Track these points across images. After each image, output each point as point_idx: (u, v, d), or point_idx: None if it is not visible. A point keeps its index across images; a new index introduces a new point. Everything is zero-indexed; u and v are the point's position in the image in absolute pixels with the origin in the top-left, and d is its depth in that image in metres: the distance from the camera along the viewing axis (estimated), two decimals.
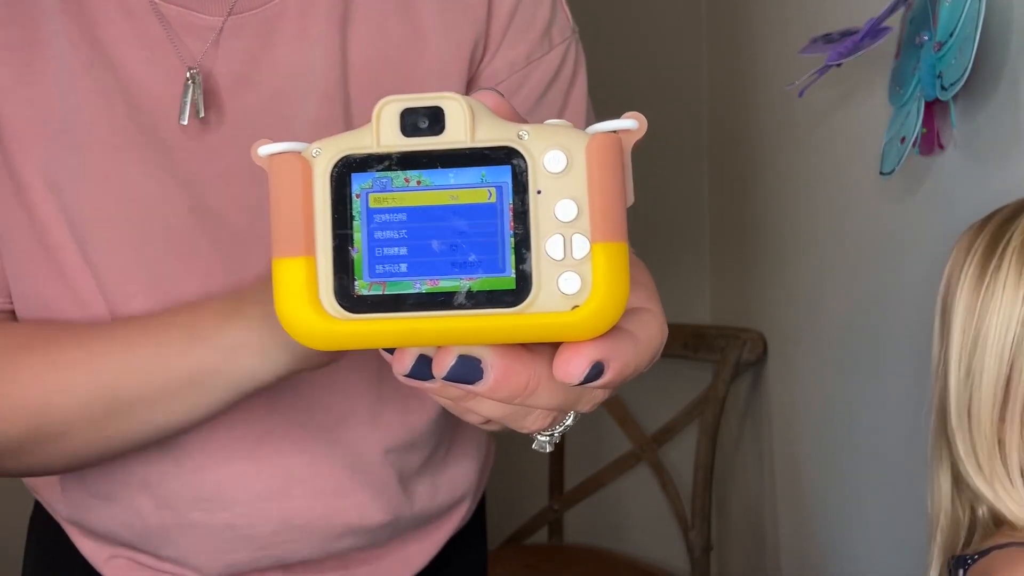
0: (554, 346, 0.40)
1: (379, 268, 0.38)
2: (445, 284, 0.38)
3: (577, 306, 0.38)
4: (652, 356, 0.43)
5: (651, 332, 0.43)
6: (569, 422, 0.50)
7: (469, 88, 0.71)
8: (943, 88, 0.86)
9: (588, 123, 0.75)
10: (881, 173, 1.01)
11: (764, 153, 1.65)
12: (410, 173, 0.38)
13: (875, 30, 1.01)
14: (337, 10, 0.67)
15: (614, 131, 0.39)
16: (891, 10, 1.00)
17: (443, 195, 0.38)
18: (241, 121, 0.67)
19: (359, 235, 0.38)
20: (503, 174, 0.38)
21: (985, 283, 0.74)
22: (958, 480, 0.77)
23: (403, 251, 0.38)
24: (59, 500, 0.77)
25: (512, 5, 0.70)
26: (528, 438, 0.52)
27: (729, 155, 1.89)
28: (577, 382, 0.39)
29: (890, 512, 1.20)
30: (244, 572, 0.75)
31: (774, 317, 1.66)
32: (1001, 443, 0.73)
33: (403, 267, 0.38)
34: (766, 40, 1.61)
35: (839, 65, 1.06)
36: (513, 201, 0.38)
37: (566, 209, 0.38)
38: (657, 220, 1.99)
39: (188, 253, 0.67)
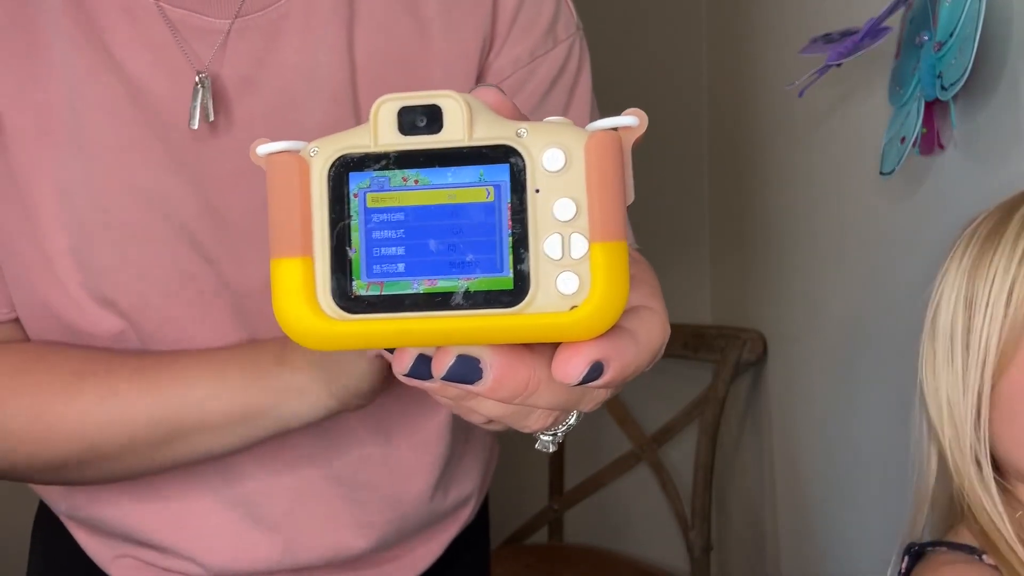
0: (555, 345, 0.40)
1: (377, 268, 0.38)
2: (443, 284, 0.38)
3: (576, 306, 0.37)
4: (654, 355, 0.43)
5: (653, 331, 0.43)
6: (572, 422, 0.50)
7: (477, 84, 0.71)
8: (943, 88, 0.86)
9: (593, 119, 0.75)
10: (881, 173, 1.01)
11: (764, 153, 1.65)
12: (408, 172, 0.38)
13: (875, 30, 1.01)
14: (342, 10, 0.67)
15: (614, 128, 0.39)
16: (891, 10, 1.00)
17: (441, 194, 0.38)
18: (249, 124, 0.67)
19: (357, 235, 0.38)
20: (501, 173, 0.37)
21: (980, 269, 0.74)
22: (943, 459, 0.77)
23: (401, 251, 0.38)
24: (62, 499, 0.77)
25: (517, 2, 0.70)
26: (530, 438, 0.51)
27: (729, 155, 1.89)
28: (576, 382, 0.39)
29: (890, 512, 1.20)
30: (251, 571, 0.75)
31: (774, 317, 1.66)
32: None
33: (401, 267, 0.38)
34: (766, 40, 1.61)
35: (839, 65, 1.06)
36: (511, 200, 0.37)
37: (565, 208, 0.37)
38: (657, 220, 1.99)
39: (196, 256, 0.67)
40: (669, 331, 0.44)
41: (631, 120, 0.39)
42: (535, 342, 0.39)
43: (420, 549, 0.82)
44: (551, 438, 0.52)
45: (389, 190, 0.38)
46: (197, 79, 0.65)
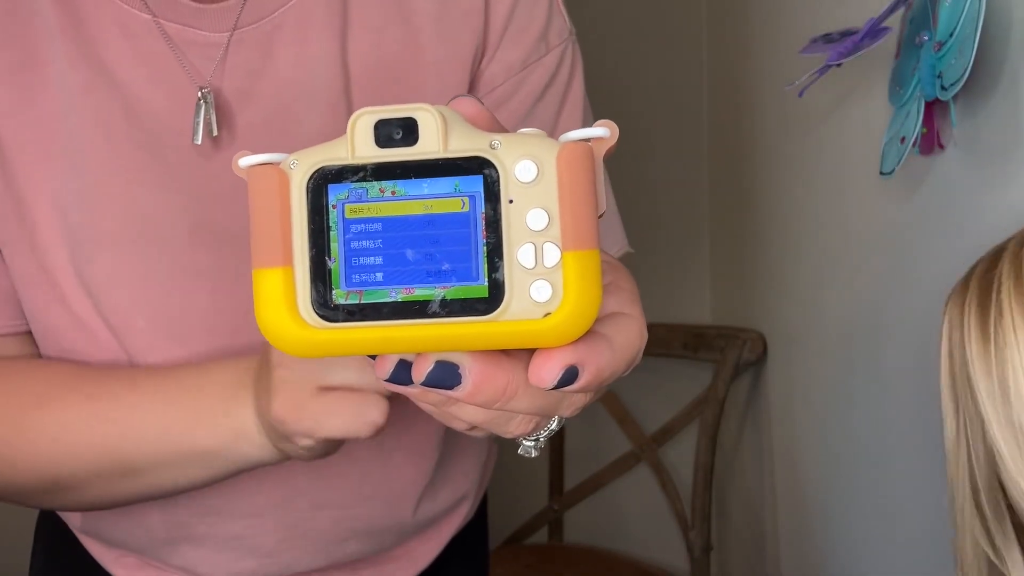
0: (533, 351, 0.41)
1: (356, 277, 0.39)
2: (420, 292, 0.39)
3: (549, 313, 0.38)
4: (631, 360, 0.44)
5: (629, 336, 0.43)
6: (554, 426, 0.51)
7: (470, 92, 0.71)
8: (943, 88, 0.86)
9: (586, 123, 0.76)
10: (881, 173, 1.01)
11: (764, 153, 1.65)
12: (385, 183, 0.39)
13: (875, 30, 1.01)
14: (336, 19, 0.67)
15: (586, 139, 0.40)
16: (891, 10, 1.00)
17: (417, 205, 0.39)
18: (247, 137, 0.67)
19: (336, 245, 0.39)
20: (475, 184, 0.39)
21: (992, 335, 0.68)
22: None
23: (379, 260, 0.39)
24: (69, 514, 0.77)
25: (508, 10, 0.70)
26: (516, 441, 0.52)
27: (729, 155, 1.89)
28: (551, 386, 0.40)
29: (890, 512, 1.20)
30: None
31: (774, 317, 1.66)
32: None
33: (379, 276, 0.39)
34: (766, 40, 1.61)
35: (839, 65, 1.06)
36: (485, 210, 0.38)
37: (537, 218, 0.38)
38: (657, 220, 2.00)
39: (193, 270, 0.67)
40: (646, 336, 0.45)
41: (602, 131, 0.40)
42: (511, 348, 0.40)
43: (419, 548, 0.82)
44: (533, 443, 0.53)
45: (367, 201, 0.39)
46: (200, 94, 0.65)
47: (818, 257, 1.41)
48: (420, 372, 0.40)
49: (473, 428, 0.47)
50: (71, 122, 0.65)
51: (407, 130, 0.39)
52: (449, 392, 0.41)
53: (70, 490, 0.66)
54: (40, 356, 0.70)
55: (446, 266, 0.38)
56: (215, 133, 0.65)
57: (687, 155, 2.03)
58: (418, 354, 0.41)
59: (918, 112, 0.92)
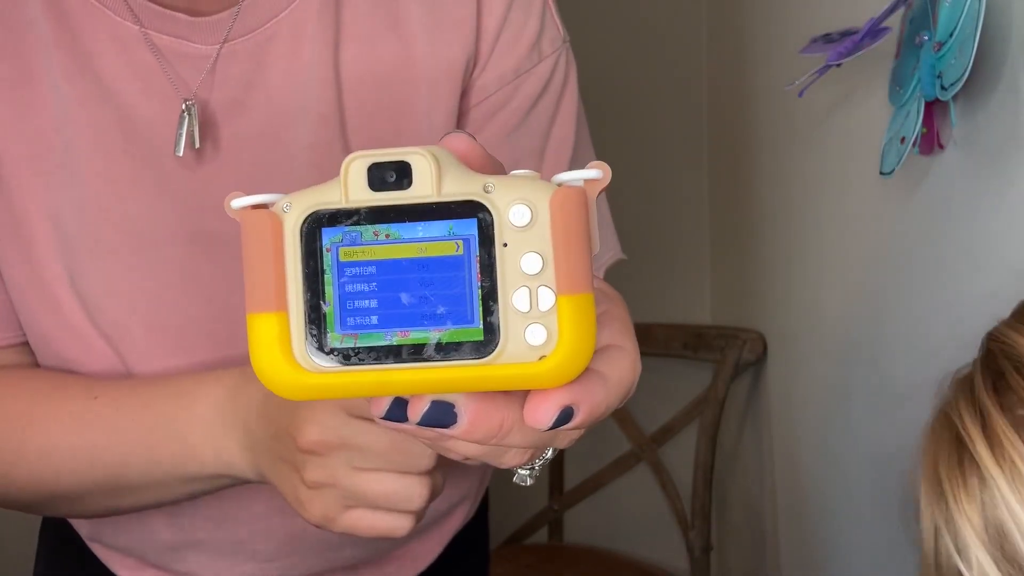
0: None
1: (351, 320, 0.39)
2: (415, 336, 0.39)
3: (544, 356, 0.38)
4: (625, 394, 0.44)
5: (623, 372, 0.44)
6: (549, 455, 0.51)
7: (461, 101, 0.71)
8: (943, 88, 0.86)
9: (580, 131, 0.76)
10: (881, 173, 1.01)
11: (764, 153, 1.65)
12: (379, 227, 0.39)
13: (875, 30, 1.01)
14: (328, 31, 0.67)
15: (580, 179, 0.40)
16: (891, 10, 1.00)
17: (412, 248, 0.39)
18: (238, 147, 0.67)
19: (330, 288, 0.39)
20: (470, 227, 0.39)
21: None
22: None
23: (374, 303, 0.39)
24: (78, 522, 0.78)
25: (500, 20, 0.70)
26: (511, 471, 0.52)
27: (729, 155, 1.89)
28: (547, 428, 0.40)
29: (890, 512, 1.20)
30: None
31: (774, 317, 1.66)
32: None
33: (374, 319, 0.39)
34: (766, 40, 1.61)
35: (839, 65, 1.06)
36: (480, 254, 0.39)
37: (531, 262, 0.38)
38: (657, 220, 1.99)
39: (190, 280, 0.67)
40: (640, 368, 0.45)
41: (595, 173, 0.40)
42: (506, 390, 0.41)
43: (419, 548, 0.82)
44: (528, 472, 0.53)
45: (361, 244, 0.39)
46: (183, 106, 0.65)
47: (818, 257, 1.41)
48: (416, 412, 0.41)
49: (467, 459, 0.47)
50: (67, 134, 0.65)
51: (401, 173, 0.39)
52: (444, 431, 0.41)
53: (70, 503, 0.67)
54: (38, 365, 0.71)
55: (441, 309, 0.39)
56: (197, 145, 0.65)
57: (687, 155, 2.03)
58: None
59: (918, 112, 0.92)
